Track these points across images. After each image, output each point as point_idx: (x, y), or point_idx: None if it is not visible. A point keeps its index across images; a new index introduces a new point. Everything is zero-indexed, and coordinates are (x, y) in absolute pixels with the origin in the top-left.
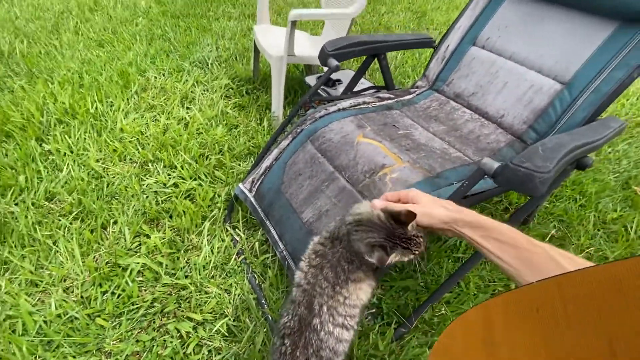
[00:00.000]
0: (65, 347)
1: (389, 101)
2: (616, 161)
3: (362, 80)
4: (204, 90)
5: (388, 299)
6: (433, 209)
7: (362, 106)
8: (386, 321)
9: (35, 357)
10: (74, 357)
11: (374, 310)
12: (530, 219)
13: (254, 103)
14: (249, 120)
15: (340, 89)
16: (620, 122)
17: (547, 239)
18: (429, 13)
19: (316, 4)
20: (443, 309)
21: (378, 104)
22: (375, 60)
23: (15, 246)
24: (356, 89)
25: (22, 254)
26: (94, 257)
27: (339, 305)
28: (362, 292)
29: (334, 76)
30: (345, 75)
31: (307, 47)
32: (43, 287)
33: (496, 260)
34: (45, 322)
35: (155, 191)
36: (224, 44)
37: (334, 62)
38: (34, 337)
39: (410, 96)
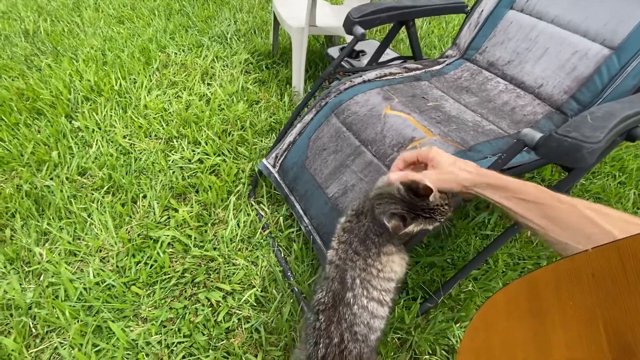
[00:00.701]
0: (105, 312)
1: (417, 72)
2: None
3: (387, 50)
4: (224, 66)
5: (413, 274)
6: (452, 173)
7: (388, 77)
8: (411, 296)
9: (78, 321)
10: (113, 321)
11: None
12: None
13: (274, 78)
14: (269, 95)
15: (364, 60)
16: None
17: None
18: None
19: None
20: (470, 286)
21: (405, 74)
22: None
23: (53, 218)
24: (381, 59)
25: (60, 226)
26: (127, 229)
27: (372, 278)
28: (395, 264)
29: (357, 47)
30: (369, 45)
31: (329, 17)
32: (81, 257)
33: (522, 220)
34: (85, 289)
35: (181, 167)
36: (242, 18)
37: (360, 30)
38: (75, 302)
39: (440, 66)
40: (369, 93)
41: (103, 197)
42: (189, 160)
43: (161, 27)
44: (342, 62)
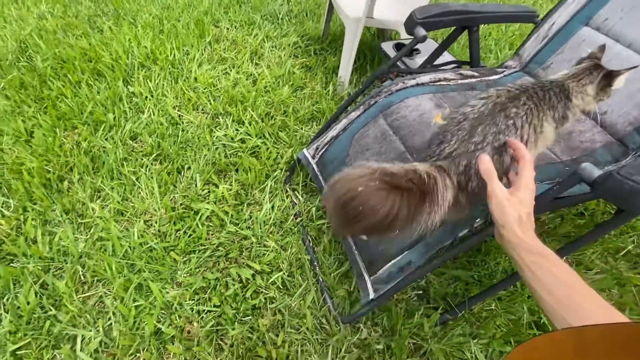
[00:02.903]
0: (145, 272)
1: (473, 80)
2: None
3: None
4: (273, 47)
5: (437, 285)
6: (517, 209)
7: (442, 83)
8: (433, 306)
9: (122, 276)
10: (152, 281)
11: (420, 292)
12: None
13: (321, 65)
14: (314, 83)
15: (418, 59)
16: None
17: (622, 253)
18: None
19: None
20: (493, 305)
21: (460, 82)
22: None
23: (105, 177)
24: (437, 62)
25: (112, 186)
26: (170, 197)
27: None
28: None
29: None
30: (424, 44)
31: (387, 9)
32: (128, 217)
33: (539, 292)
34: (129, 247)
35: (224, 144)
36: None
37: (422, 32)
38: (121, 259)
39: (497, 76)
40: (421, 97)
41: (152, 163)
42: (232, 138)
43: (216, 0)
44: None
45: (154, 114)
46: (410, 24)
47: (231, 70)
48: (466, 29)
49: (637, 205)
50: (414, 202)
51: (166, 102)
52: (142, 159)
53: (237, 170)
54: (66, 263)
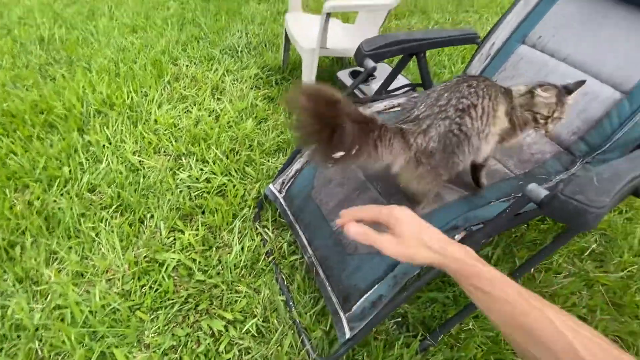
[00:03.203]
0: (109, 338)
1: None
2: None
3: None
4: (234, 80)
5: (414, 310)
6: (411, 248)
7: (397, 109)
8: (412, 333)
9: (83, 346)
10: (116, 346)
11: (399, 319)
12: None
13: (284, 95)
14: (278, 114)
15: (374, 84)
16: None
17: (587, 253)
18: None
19: None
20: (471, 324)
21: None
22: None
23: (62, 237)
24: (392, 86)
25: (69, 246)
26: (133, 251)
27: None
28: None
29: None
30: (379, 69)
31: (341, 38)
32: (88, 278)
33: (489, 315)
34: (90, 312)
35: (189, 186)
36: (254, 30)
37: (370, 63)
38: (81, 327)
39: None
40: None
41: (112, 216)
42: (197, 179)
43: (174, 38)
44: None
45: (112, 163)
46: (359, 56)
47: (192, 108)
48: (414, 55)
49: (583, 224)
50: (360, 136)
51: (125, 149)
52: (101, 213)
53: (203, 213)
54: (20, 339)
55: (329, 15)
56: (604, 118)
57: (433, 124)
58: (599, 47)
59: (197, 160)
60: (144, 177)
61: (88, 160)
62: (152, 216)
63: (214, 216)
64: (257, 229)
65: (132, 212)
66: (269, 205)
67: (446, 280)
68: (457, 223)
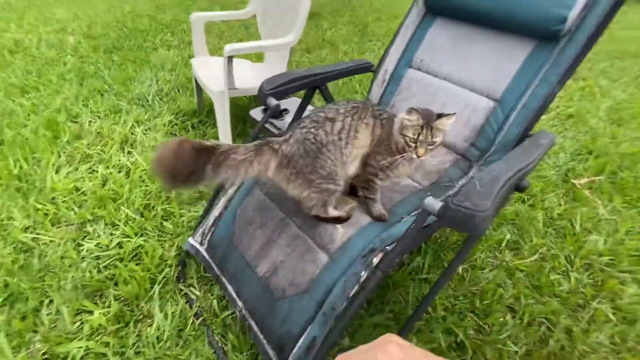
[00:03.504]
0: None
1: None
2: (554, 155)
3: (309, 106)
4: (146, 130)
5: (359, 339)
6: None
7: None
8: None
9: None
10: None
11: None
12: None
13: (201, 138)
14: None
15: (288, 118)
16: (550, 137)
17: (504, 244)
18: (370, 25)
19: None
20: (414, 339)
21: None
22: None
23: None
24: None
25: None
26: (28, 350)
27: None
28: None
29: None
30: (292, 103)
31: (250, 78)
32: None
33: None
34: None
35: (97, 256)
36: (165, 76)
37: (273, 102)
38: None
39: None
40: None
41: None
42: (107, 246)
43: (72, 94)
44: (265, 124)
45: None
46: (261, 96)
47: (98, 167)
48: (317, 88)
49: (474, 228)
50: (204, 158)
51: (14, 227)
52: None
53: (116, 285)
54: None
55: (231, 58)
56: (485, 125)
57: (293, 133)
58: (471, 65)
59: (105, 224)
60: (39, 256)
61: None
62: (51, 301)
63: (129, 286)
64: (181, 290)
65: (25, 301)
66: (193, 260)
67: (385, 300)
68: (374, 245)
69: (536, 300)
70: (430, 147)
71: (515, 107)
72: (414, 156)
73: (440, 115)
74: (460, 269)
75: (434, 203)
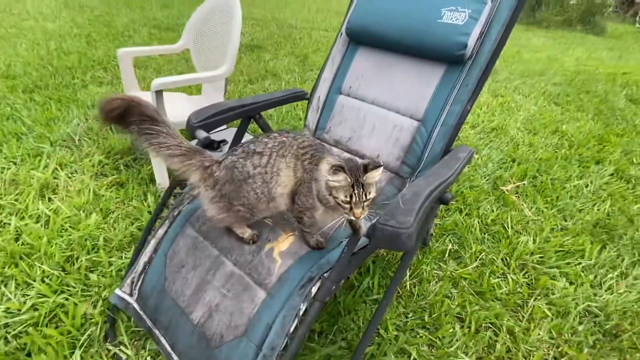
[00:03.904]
0: None
1: None
2: (484, 165)
3: (246, 135)
4: (72, 173)
5: None
6: None
7: None
8: None
9: None
10: None
11: None
12: (428, 240)
13: (136, 177)
14: (130, 199)
15: (226, 149)
16: (468, 150)
17: (447, 254)
18: (311, 56)
19: None
20: None
21: None
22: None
23: None
24: None
25: None
26: None
27: None
28: None
29: (218, 136)
30: (230, 133)
31: (185, 110)
32: None
33: None
34: None
35: (6, 324)
36: (95, 114)
37: (202, 134)
38: None
39: None
40: None
41: None
42: (19, 310)
43: None
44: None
45: None
46: (190, 129)
47: (11, 219)
48: (251, 118)
49: (402, 245)
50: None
51: None
52: None
53: (29, 355)
54: None
55: (160, 92)
56: (413, 143)
57: (226, 159)
58: (394, 88)
59: (17, 285)
60: None
61: None
62: None
63: (43, 356)
64: (109, 350)
65: None
66: (124, 315)
67: (337, 329)
68: (312, 274)
69: (480, 306)
70: (366, 204)
71: (436, 125)
72: (352, 218)
73: (366, 168)
74: (408, 285)
75: (364, 224)
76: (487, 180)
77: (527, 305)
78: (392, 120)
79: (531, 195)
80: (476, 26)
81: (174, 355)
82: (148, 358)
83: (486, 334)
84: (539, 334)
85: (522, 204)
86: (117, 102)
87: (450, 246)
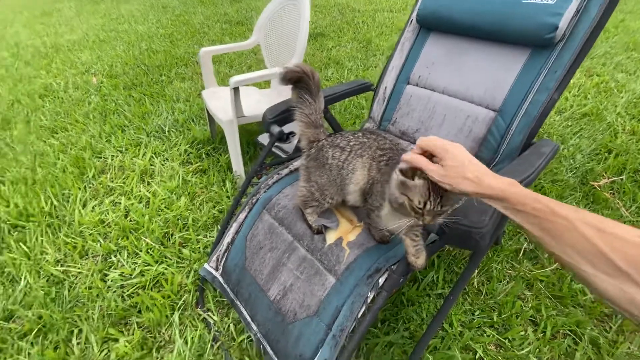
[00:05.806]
0: None
1: None
2: (570, 157)
3: None
4: (164, 160)
5: (374, 358)
6: (453, 179)
7: None
8: None
9: None
10: None
11: None
12: (500, 239)
13: (216, 165)
14: (211, 184)
15: (295, 140)
16: (552, 145)
17: (522, 254)
18: (374, 40)
19: None
20: (430, 358)
21: None
22: None
23: None
24: None
25: None
26: None
27: None
28: None
29: (286, 129)
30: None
31: (257, 104)
32: None
33: (523, 231)
34: None
35: (122, 285)
36: (180, 108)
37: (277, 129)
38: None
39: None
40: (296, 184)
41: (32, 343)
42: (130, 275)
43: (96, 132)
44: (273, 148)
45: (32, 279)
46: (265, 124)
47: (121, 199)
48: None
49: (474, 245)
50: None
51: (47, 261)
52: (19, 343)
53: (139, 312)
54: None
55: (237, 89)
56: (488, 135)
57: (322, 140)
58: (467, 77)
59: (128, 254)
60: (70, 288)
61: (3, 283)
62: (80, 331)
63: (150, 313)
64: (200, 315)
65: (56, 332)
66: (210, 286)
67: (399, 318)
68: (379, 265)
69: (558, 311)
70: (439, 215)
71: (517, 116)
72: (420, 222)
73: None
74: (476, 282)
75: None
76: (573, 174)
77: (616, 317)
78: (466, 110)
79: (630, 192)
80: (571, 3)
81: (253, 325)
82: (231, 325)
83: (564, 342)
84: (629, 348)
85: (618, 203)
86: (296, 71)
87: (525, 245)
